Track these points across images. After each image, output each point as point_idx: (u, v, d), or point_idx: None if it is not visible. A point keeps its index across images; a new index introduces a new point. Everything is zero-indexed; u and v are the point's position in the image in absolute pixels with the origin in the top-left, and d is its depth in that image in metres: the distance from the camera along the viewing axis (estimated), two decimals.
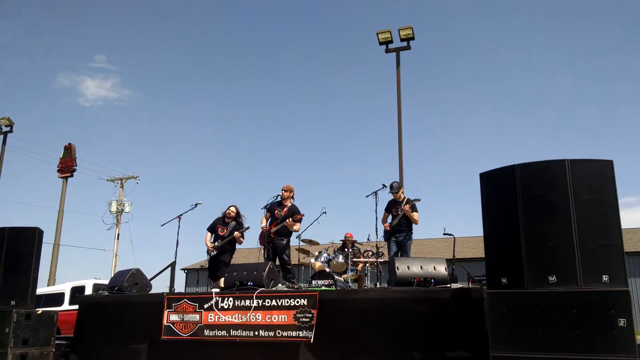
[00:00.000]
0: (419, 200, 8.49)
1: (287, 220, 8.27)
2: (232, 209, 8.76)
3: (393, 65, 15.27)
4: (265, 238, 8.41)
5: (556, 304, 4.44)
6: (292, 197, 8.67)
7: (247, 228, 8.66)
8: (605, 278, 4.42)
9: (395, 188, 8.66)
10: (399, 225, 8.46)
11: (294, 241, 8.80)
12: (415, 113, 51.91)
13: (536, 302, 4.51)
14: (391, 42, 15.25)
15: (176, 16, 58.62)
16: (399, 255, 8.40)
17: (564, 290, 4.45)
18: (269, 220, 8.58)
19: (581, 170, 4.66)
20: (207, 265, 8.99)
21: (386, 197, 8.83)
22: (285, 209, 8.45)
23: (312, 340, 5.87)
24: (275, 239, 8.41)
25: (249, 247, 23.40)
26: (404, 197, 8.63)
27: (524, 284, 4.60)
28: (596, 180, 4.65)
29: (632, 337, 4.25)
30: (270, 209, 8.61)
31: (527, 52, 52.46)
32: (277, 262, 8.46)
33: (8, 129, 22.82)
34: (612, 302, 4.32)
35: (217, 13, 60.11)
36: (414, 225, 8.57)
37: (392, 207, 8.67)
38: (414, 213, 8.43)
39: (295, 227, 8.42)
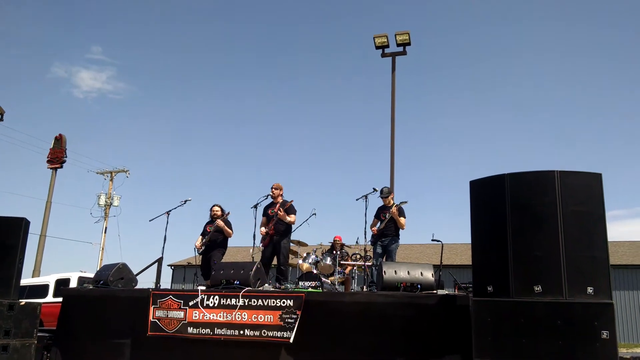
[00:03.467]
0: (405, 202, 8.51)
1: (279, 212, 8.28)
2: (216, 208, 8.88)
3: (388, 70, 15.32)
4: (264, 239, 8.46)
5: (540, 314, 4.47)
6: (282, 195, 8.71)
7: (228, 213, 8.78)
8: (590, 290, 4.46)
9: (385, 193, 8.68)
10: (386, 229, 8.47)
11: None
12: (408, 118, 52.11)
13: (521, 311, 4.54)
14: (387, 46, 15.28)
15: (174, 12, 58.47)
16: (384, 259, 8.40)
17: (549, 301, 4.48)
18: (267, 223, 8.59)
19: (570, 182, 4.70)
20: (194, 262, 8.98)
21: (376, 201, 8.84)
22: (277, 206, 8.49)
23: (291, 340, 5.86)
24: (274, 237, 8.44)
25: (238, 246, 23.36)
26: (393, 203, 8.64)
27: (510, 293, 4.63)
28: (584, 192, 4.70)
29: (614, 350, 4.28)
30: (265, 212, 8.66)
31: (521, 59, 52.84)
32: (275, 261, 8.50)
33: None
34: (596, 314, 4.36)
35: (216, 11, 60.02)
36: (401, 231, 8.58)
37: (381, 212, 8.68)
38: (401, 218, 8.44)
39: (289, 219, 8.43)
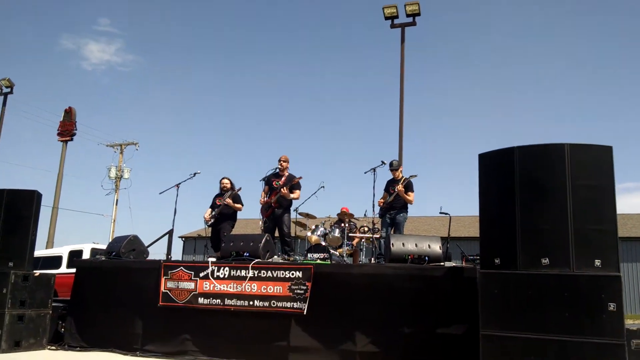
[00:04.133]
0: (415, 176, 8.49)
1: (282, 190, 8.31)
2: (225, 181, 8.92)
3: (398, 42, 15.13)
4: (266, 210, 8.48)
5: (548, 286, 4.49)
6: (288, 168, 8.73)
7: (239, 189, 8.81)
8: (597, 263, 4.46)
9: (395, 166, 8.65)
10: (395, 202, 8.47)
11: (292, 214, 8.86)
12: (418, 91, 51.60)
13: (528, 283, 4.56)
14: (397, 17, 15.08)
15: None
16: (392, 231, 8.43)
17: (556, 273, 4.50)
18: (268, 193, 8.62)
19: (580, 155, 4.66)
20: (204, 234, 9.08)
21: (384, 174, 8.84)
22: (282, 179, 8.51)
23: (305, 312, 5.95)
24: (276, 210, 8.47)
25: (247, 218, 23.51)
26: (402, 177, 8.62)
27: (517, 265, 4.64)
28: (594, 165, 4.66)
29: (621, 322, 4.31)
30: (268, 181, 8.67)
31: (534, 35, 51.88)
32: (277, 234, 8.55)
33: (8, 90, 22.65)
34: (603, 287, 4.37)
35: None
36: (409, 204, 8.58)
37: (390, 186, 8.68)
38: (409, 193, 8.41)
39: (293, 195, 8.47)
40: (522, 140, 4.82)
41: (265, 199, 8.57)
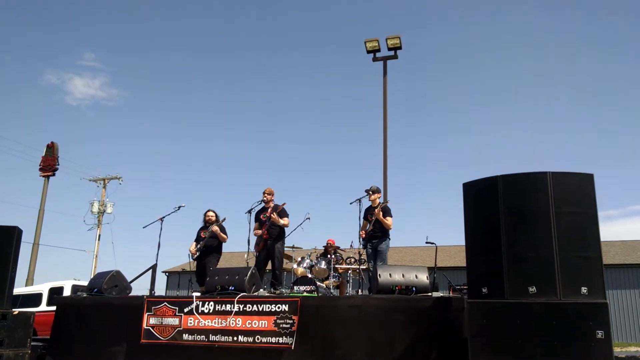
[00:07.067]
0: (386, 202, 8.46)
1: (272, 216, 8.27)
2: (210, 213, 8.84)
3: (381, 73, 15.37)
4: (258, 244, 8.43)
5: (535, 315, 4.50)
6: (273, 200, 8.70)
7: (224, 219, 8.75)
8: (584, 290, 4.48)
9: (370, 191, 8.49)
10: (374, 231, 8.38)
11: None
12: (402, 119, 52.29)
13: (516, 312, 4.56)
14: (379, 50, 15.34)
15: (167, 19, 58.37)
16: (375, 260, 8.35)
17: (544, 302, 4.50)
18: (259, 228, 8.57)
19: (562, 183, 4.73)
20: (189, 268, 8.95)
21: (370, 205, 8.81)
22: (269, 211, 8.47)
23: (293, 346, 5.85)
24: (268, 242, 8.41)
25: (232, 251, 23.30)
26: (379, 203, 8.56)
27: (504, 294, 4.65)
28: (577, 193, 4.73)
29: (609, 349, 4.31)
30: (257, 218, 8.64)
31: (513, 62, 53.17)
32: (269, 266, 8.48)
33: None
34: (591, 314, 4.39)
35: (207, 15, 59.99)
36: (390, 231, 8.51)
37: (368, 213, 8.60)
38: (387, 218, 8.33)
39: (283, 222, 8.42)
40: (505, 169, 4.86)
41: (258, 231, 8.52)
